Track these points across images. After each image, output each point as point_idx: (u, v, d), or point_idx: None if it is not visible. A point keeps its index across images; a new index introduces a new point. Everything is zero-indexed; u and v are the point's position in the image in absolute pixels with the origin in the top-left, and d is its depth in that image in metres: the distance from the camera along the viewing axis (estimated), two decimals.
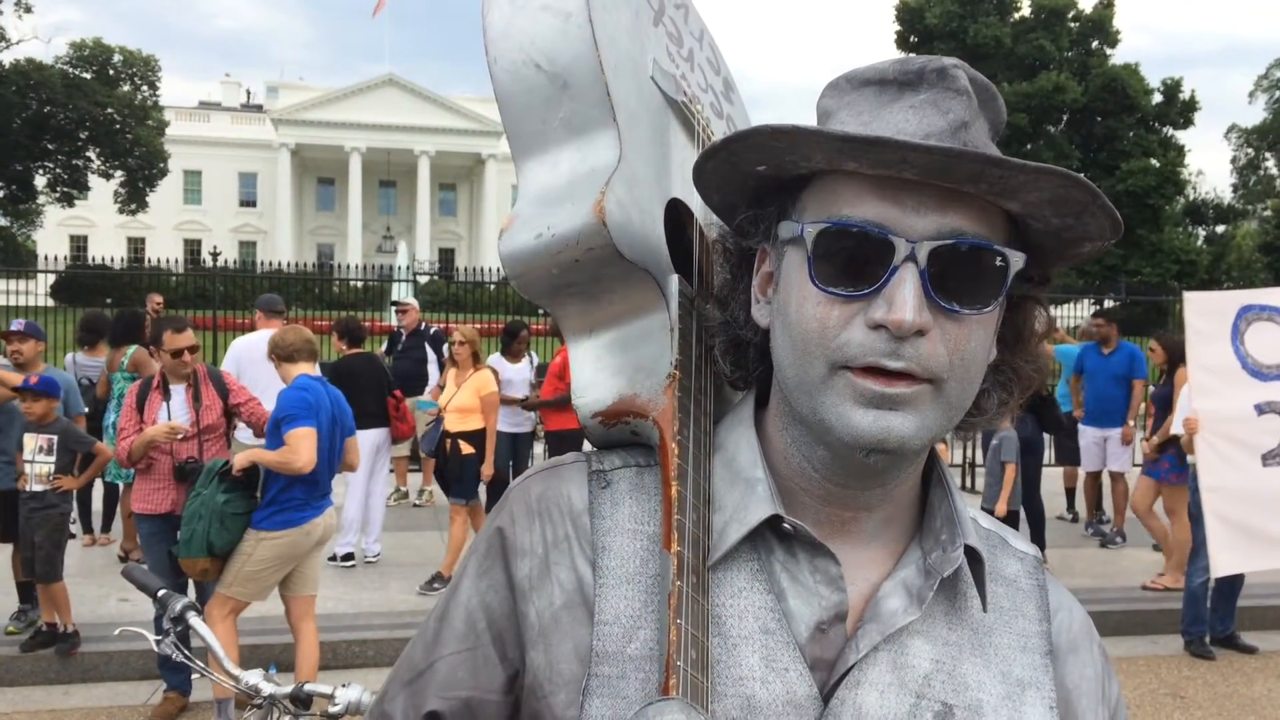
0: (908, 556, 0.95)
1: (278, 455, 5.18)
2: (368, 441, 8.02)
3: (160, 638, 2.89)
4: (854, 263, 0.85)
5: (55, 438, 6.11)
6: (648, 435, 0.98)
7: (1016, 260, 0.87)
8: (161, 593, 2.98)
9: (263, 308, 8.43)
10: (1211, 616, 7.36)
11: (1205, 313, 6.85)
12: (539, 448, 10.28)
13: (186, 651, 2.89)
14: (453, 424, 7.80)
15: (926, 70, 0.88)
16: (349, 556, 8.28)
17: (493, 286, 21.57)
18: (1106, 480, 10.16)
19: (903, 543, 0.97)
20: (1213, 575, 6.75)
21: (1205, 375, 6.73)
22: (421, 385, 10.35)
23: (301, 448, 5.14)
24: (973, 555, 0.93)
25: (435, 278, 35.64)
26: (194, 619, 2.91)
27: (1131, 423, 9.81)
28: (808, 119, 0.95)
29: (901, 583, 0.93)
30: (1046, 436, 9.58)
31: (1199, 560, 7.07)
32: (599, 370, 1.00)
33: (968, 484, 12.17)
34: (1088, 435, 9.96)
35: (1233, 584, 7.27)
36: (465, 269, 22.59)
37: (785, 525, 0.90)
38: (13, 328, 6.83)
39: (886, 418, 0.85)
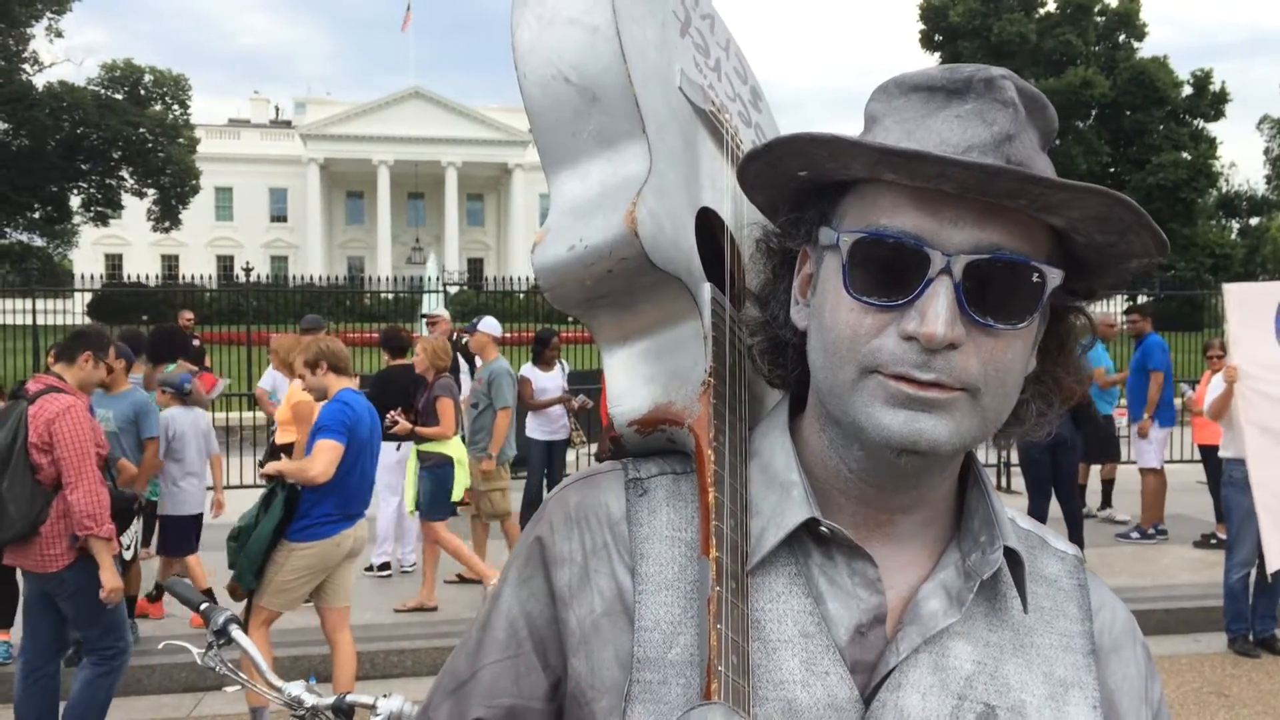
0: (946, 558, 0.95)
1: (295, 465, 5.31)
2: (403, 453, 8.07)
3: (203, 651, 2.92)
4: (889, 273, 0.85)
5: None
6: (684, 442, 0.98)
7: (1054, 277, 0.87)
8: (204, 606, 3.02)
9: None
10: (1252, 616, 7.26)
11: (1244, 305, 6.81)
12: (571, 455, 10.29)
13: (229, 664, 2.92)
14: (280, 436, 7.64)
15: (974, 79, 0.88)
16: (385, 566, 8.34)
17: (522, 295, 21.66)
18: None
19: (941, 544, 0.97)
20: (1271, 569, 6.67)
21: (1254, 368, 6.70)
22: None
23: (320, 459, 5.22)
24: (1012, 556, 0.93)
25: (465, 288, 35.79)
26: (236, 632, 2.95)
27: (1147, 416, 9.72)
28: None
29: (941, 584, 0.93)
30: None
31: (1235, 556, 7.01)
32: (634, 379, 1.01)
33: (1003, 484, 12.08)
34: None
35: (1275, 584, 7.18)
36: (494, 278, 22.70)
37: (822, 528, 0.91)
38: None
39: (918, 419, 0.85)
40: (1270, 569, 6.68)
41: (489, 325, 8.52)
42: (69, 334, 5.45)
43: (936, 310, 0.82)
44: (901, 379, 0.84)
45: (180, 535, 7.01)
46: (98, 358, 5.12)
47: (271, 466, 5.40)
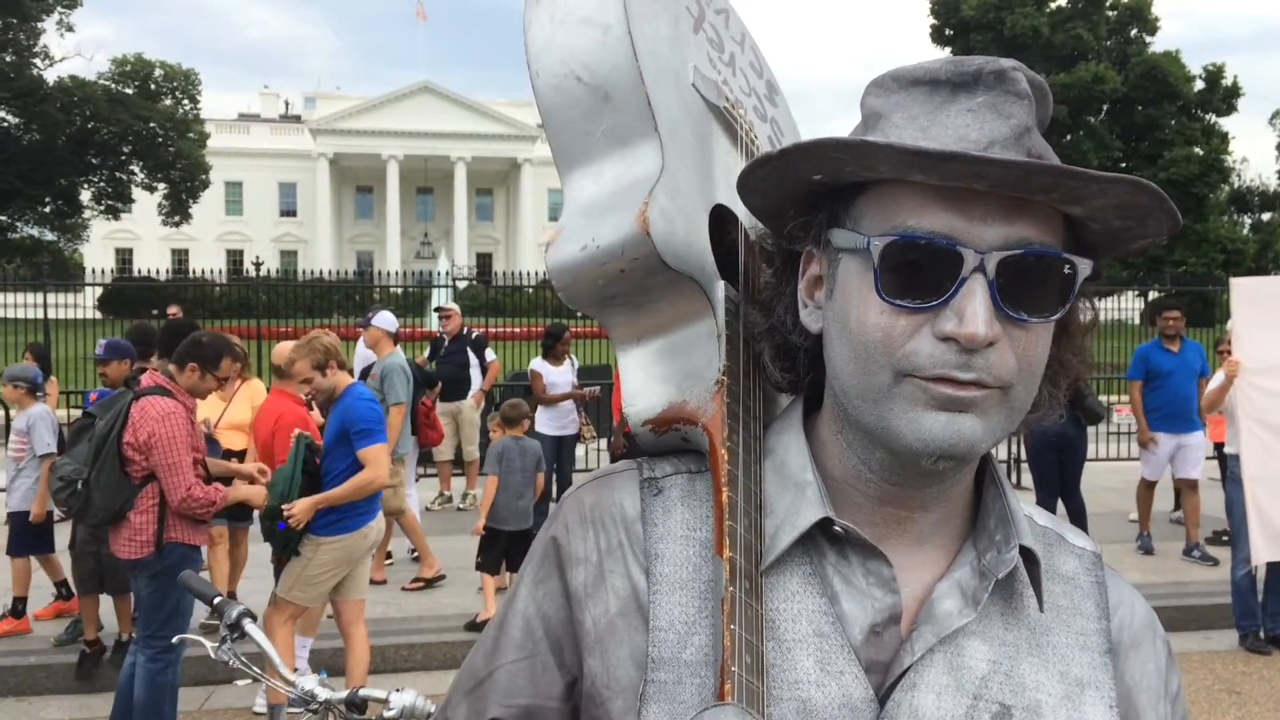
0: (962, 557, 0.95)
1: (357, 482, 5.18)
2: None
3: (217, 645, 2.93)
4: (921, 274, 0.84)
5: None
6: (698, 442, 0.98)
7: (1084, 267, 0.87)
8: (218, 600, 3.03)
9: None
10: (1263, 613, 7.24)
11: (1253, 298, 6.79)
12: (580, 449, 10.30)
13: (243, 659, 2.93)
14: (233, 443, 7.33)
15: (984, 72, 0.86)
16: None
17: (531, 290, 21.66)
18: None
19: (957, 543, 0.96)
20: (1255, 563, 6.67)
21: (1257, 364, 6.68)
22: (465, 389, 10.43)
23: (382, 462, 5.22)
24: (1028, 555, 0.93)
25: (474, 283, 35.80)
26: (250, 625, 2.95)
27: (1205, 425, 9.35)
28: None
29: (956, 584, 0.92)
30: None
31: (1240, 553, 7.00)
32: (648, 378, 1.01)
33: (1012, 479, 12.05)
34: (1160, 442, 8.87)
35: None
36: (503, 273, 22.70)
37: (836, 528, 0.90)
38: (97, 353, 6.68)
39: (957, 421, 0.84)
40: (1256, 561, 6.67)
41: (383, 320, 8.15)
42: (190, 337, 5.29)
43: (975, 309, 0.81)
44: (942, 380, 0.84)
45: (38, 533, 6.84)
46: (204, 370, 5.09)
47: (308, 506, 5.13)
